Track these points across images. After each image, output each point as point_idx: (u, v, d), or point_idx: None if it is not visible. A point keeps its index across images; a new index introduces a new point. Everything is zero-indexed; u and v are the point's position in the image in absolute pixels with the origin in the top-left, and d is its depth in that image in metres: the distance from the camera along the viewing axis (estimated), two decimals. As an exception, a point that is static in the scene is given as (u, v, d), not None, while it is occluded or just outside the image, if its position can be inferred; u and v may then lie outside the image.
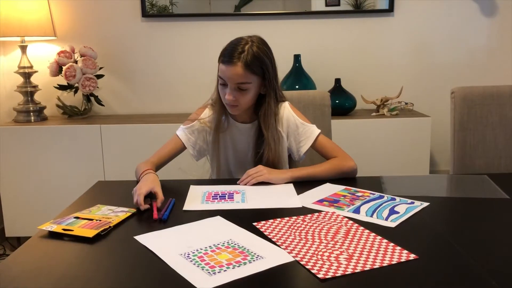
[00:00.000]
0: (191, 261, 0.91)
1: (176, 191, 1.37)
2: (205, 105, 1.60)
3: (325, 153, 1.55)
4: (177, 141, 1.55)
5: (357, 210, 1.19)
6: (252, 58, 1.40)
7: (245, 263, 0.90)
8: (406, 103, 2.62)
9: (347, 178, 1.47)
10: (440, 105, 2.66)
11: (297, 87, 2.49)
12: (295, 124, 1.55)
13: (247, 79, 1.41)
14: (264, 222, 1.11)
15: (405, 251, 0.94)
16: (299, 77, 2.55)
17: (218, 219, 1.14)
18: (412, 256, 0.92)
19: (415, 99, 2.69)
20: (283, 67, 2.61)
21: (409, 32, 2.70)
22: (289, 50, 2.63)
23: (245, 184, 1.41)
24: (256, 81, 1.44)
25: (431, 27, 2.69)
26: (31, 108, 2.57)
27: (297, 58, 2.57)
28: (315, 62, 2.67)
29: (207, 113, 1.57)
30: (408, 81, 2.71)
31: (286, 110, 1.56)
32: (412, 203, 1.23)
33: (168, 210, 1.18)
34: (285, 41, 2.67)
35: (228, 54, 1.40)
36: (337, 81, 2.56)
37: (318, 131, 1.55)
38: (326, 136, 1.60)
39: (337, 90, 2.54)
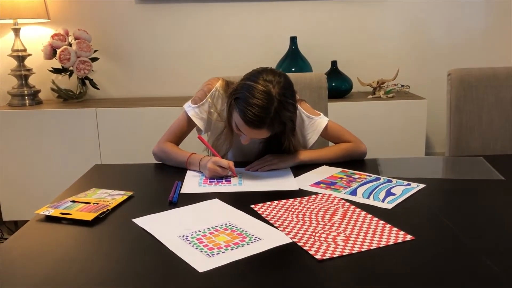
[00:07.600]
0: (189, 243, 0.92)
1: (173, 174, 1.37)
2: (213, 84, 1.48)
3: (336, 141, 1.54)
4: (191, 122, 1.48)
5: (354, 192, 1.19)
6: (278, 123, 1.29)
7: (243, 245, 0.91)
8: (402, 86, 2.61)
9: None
10: (436, 87, 2.66)
11: (293, 69, 2.48)
12: (301, 118, 1.49)
13: (268, 135, 1.34)
14: (261, 204, 1.11)
15: (402, 232, 0.95)
16: (295, 59, 2.53)
17: (216, 201, 1.15)
18: (409, 237, 0.93)
19: (411, 81, 2.68)
20: (279, 49, 2.60)
21: (405, 13, 2.68)
22: (285, 32, 2.60)
23: (256, 170, 1.39)
24: None
25: (428, 8, 2.67)
26: (26, 92, 2.55)
27: (293, 40, 2.55)
28: (311, 44, 2.66)
29: (215, 96, 1.48)
30: (404, 63, 2.70)
31: None
32: (409, 185, 1.24)
33: (177, 192, 1.19)
34: (282, 23, 2.64)
35: (251, 118, 1.24)
36: (334, 63, 2.55)
37: (325, 122, 1.50)
38: None
39: (334, 72, 2.53)
